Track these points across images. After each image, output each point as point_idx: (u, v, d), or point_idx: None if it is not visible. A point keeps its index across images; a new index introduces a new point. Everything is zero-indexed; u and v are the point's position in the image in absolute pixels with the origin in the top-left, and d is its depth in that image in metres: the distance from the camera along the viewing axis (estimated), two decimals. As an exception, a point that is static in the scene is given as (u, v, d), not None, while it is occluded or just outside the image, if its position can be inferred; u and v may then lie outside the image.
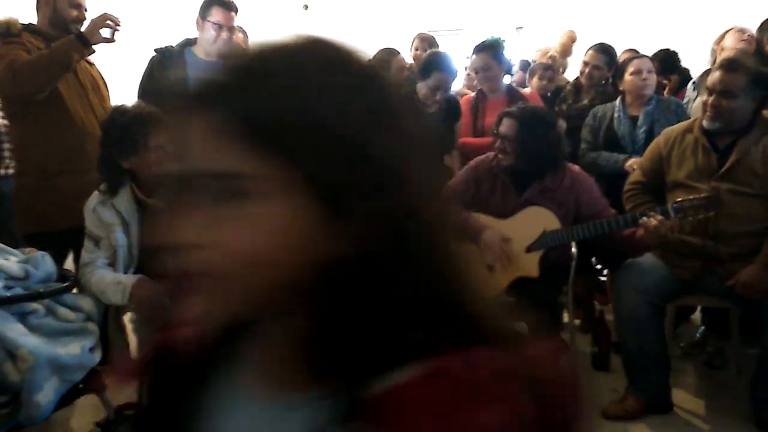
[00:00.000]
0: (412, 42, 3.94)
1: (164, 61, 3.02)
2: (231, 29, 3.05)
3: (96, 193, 2.32)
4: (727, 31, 3.47)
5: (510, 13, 7.02)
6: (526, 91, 3.43)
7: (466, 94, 3.54)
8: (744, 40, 3.36)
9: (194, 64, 3.03)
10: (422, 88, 2.96)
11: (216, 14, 2.99)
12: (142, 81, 3.06)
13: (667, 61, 3.78)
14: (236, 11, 3.06)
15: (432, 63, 2.97)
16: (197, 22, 3.06)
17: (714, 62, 3.04)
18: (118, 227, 2.28)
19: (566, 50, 4.42)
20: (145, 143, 2.24)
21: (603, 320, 2.99)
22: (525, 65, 5.42)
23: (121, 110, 2.31)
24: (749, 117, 2.42)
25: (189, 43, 3.14)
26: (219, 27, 3.00)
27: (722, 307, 2.69)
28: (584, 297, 3.52)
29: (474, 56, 3.27)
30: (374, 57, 3.66)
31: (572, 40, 4.79)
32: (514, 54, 4.85)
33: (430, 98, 2.95)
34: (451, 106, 3.09)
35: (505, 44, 3.35)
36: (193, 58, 3.06)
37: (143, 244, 2.32)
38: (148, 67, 3.07)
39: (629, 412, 2.53)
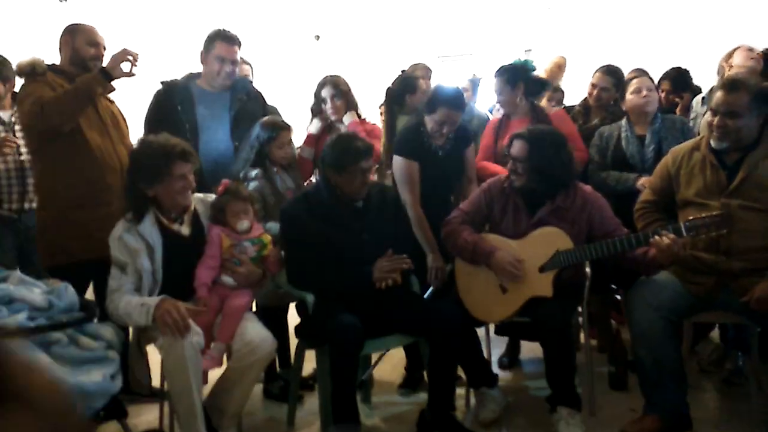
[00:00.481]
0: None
1: (170, 94, 3.12)
2: (234, 62, 3.15)
3: (122, 221, 2.42)
4: (736, 49, 3.48)
5: (518, 36, 7.12)
6: (551, 110, 3.39)
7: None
8: (753, 58, 3.38)
9: (199, 96, 3.14)
10: (429, 122, 2.98)
11: (219, 48, 3.09)
12: (148, 113, 3.15)
13: (679, 80, 3.82)
14: (239, 45, 3.17)
15: (437, 98, 2.96)
16: (201, 56, 3.16)
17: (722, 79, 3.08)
18: (144, 252, 2.36)
19: (553, 77, 4.47)
20: (169, 172, 2.34)
21: (619, 339, 2.98)
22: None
23: (147, 141, 2.44)
24: (756, 133, 2.44)
25: (193, 76, 3.25)
26: (222, 60, 3.10)
27: (738, 323, 2.68)
28: (600, 316, 3.51)
29: (495, 79, 3.28)
30: (408, 71, 3.68)
31: (559, 67, 4.85)
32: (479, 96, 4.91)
33: (437, 132, 2.97)
34: (458, 135, 3.08)
35: (533, 65, 3.32)
36: (198, 90, 3.16)
37: (167, 268, 2.38)
38: (154, 99, 3.17)
39: (647, 431, 2.50)
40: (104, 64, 2.82)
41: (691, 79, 3.87)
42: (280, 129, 2.99)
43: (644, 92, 3.06)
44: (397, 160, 3.00)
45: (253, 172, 2.95)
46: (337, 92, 3.32)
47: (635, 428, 2.52)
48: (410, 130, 3.08)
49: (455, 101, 2.96)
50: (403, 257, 2.54)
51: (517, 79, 3.20)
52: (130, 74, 2.81)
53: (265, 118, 3.09)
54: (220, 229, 2.51)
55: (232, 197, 2.52)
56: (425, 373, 2.99)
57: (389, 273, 2.50)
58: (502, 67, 3.25)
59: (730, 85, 2.41)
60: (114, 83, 2.86)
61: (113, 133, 2.93)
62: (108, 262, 2.38)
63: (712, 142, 2.47)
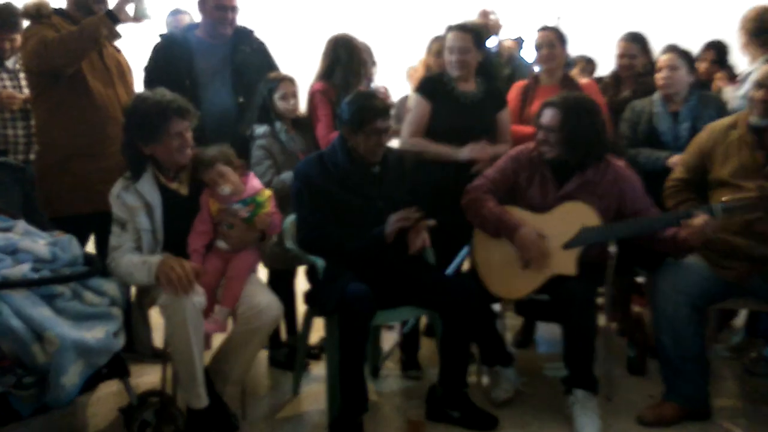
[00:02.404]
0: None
1: (168, 47, 3.00)
2: (233, 9, 3.02)
3: (120, 179, 2.35)
4: None
5: (550, 4, 6.87)
6: (583, 81, 3.27)
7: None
8: None
9: (199, 48, 3.01)
10: (445, 56, 2.91)
11: None
12: (147, 66, 3.04)
13: (723, 52, 3.66)
14: None
15: (447, 29, 2.91)
16: (198, 5, 3.03)
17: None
18: (141, 211, 2.29)
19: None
20: (165, 129, 2.26)
21: (641, 323, 2.88)
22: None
23: (142, 97, 2.34)
24: (800, 113, 2.30)
25: (192, 27, 3.13)
26: (220, 8, 2.96)
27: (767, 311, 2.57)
28: (621, 299, 3.41)
29: (539, 33, 3.16)
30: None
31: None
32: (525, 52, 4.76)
33: (450, 63, 2.87)
34: (490, 91, 2.96)
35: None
36: (198, 41, 3.03)
37: (167, 227, 2.31)
38: (152, 53, 3.05)
39: (666, 418, 2.42)
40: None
41: (728, 54, 3.69)
42: (281, 79, 2.88)
43: (665, 71, 2.91)
44: (412, 98, 2.91)
45: (260, 129, 2.85)
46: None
47: (653, 415, 2.45)
48: (436, 73, 3.03)
49: (462, 24, 2.88)
50: (414, 209, 2.43)
51: (565, 41, 3.13)
52: (138, 19, 2.73)
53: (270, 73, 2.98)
54: (209, 192, 2.40)
55: (200, 165, 2.36)
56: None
57: (402, 220, 2.39)
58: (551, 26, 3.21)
59: None
60: (122, 31, 2.77)
61: (118, 83, 2.86)
62: (110, 216, 2.32)
63: (753, 119, 2.34)
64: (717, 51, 3.66)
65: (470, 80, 2.93)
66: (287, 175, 2.72)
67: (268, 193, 2.45)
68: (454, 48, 2.86)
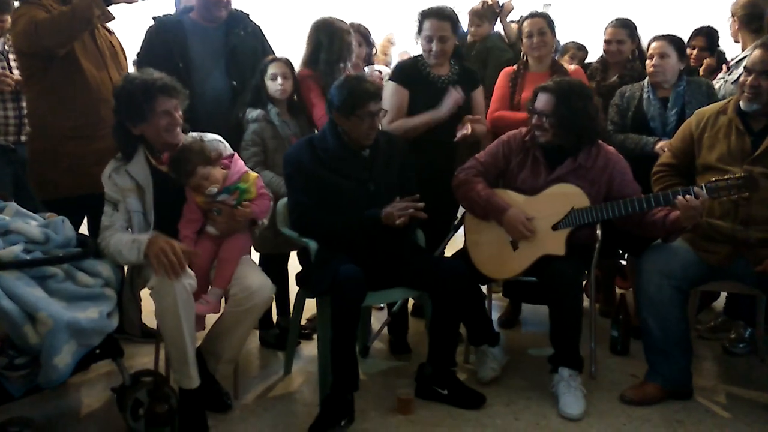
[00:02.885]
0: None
1: (162, 30, 2.97)
2: None
3: (112, 159, 2.35)
4: None
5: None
6: (570, 67, 3.28)
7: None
8: None
9: (193, 31, 2.98)
10: (421, 44, 2.87)
11: None
12: (139, 52, 3.01)
13: (712, 38, 3.68)
14: None
15: (421, 13, 2.85)
16: None
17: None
18: (132, 192, 2.29)
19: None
20: (152, 108, 2.24)
21: (624, 304, 2.94)
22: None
23: (129, 78, 2.32)
24: (789, 99, 2.34)
25: (187, 10, 3.09)
26: None
27: (749, 293, 2.63)
28: (605, 280, 3.47)
29: (528, 21, 3.15)
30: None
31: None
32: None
33: (428, 51, 2.83)
34: (465, 72, 2.96)
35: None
36: (192, 25, 3.00)
37: (158, 209, 2.31)
38: (145, 36, 3.02)
39: (648, 398, 2.49)
40: None
41: (718, 39, 3.72)
42: (272, 60, 2.86)
43: (655, 59, 2.94)
44: (389, 86, 2.90)
45: (253, 114, 2.84)
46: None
47: (636, 394, 2.51)
48: (409, 59, 2.99)
49: (438, 11, 2.83)
50: (416, 196, 2.44)
51: (554, 27, 3.14)
52: (130, 0, 2.69)
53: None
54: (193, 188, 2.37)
55: (178, 174, 2.30)
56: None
57: (403, 210, 2.41)
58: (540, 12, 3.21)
59: None
60: (115, 12, 2.72)
61: (111, 65, 2.81)
62: (103, 198, 2.31)
63: (742, 104, 2.37)
64: (706, 37, 3.68)
65: (445, 64, 2.94)
66: (268, 174, 2.75)
67: (253, 176, 2.43)
68: (433, 37, 2.83)
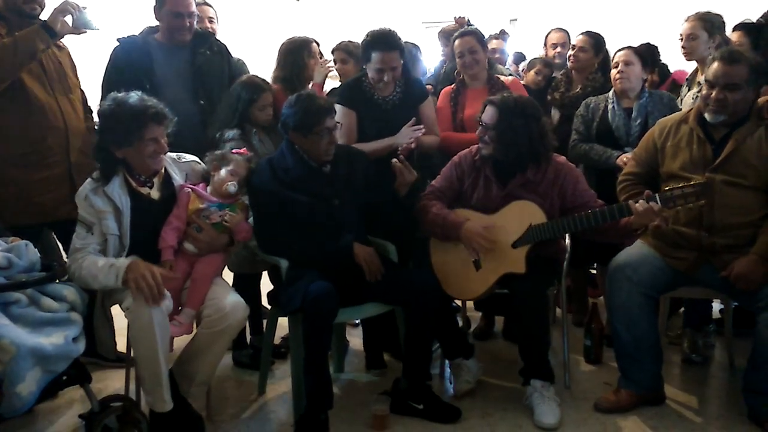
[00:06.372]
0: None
1: (127, 51, 2.95)
2: (191, 15, 2.99)
3: (89, 180, 2.30)
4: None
5: (504, 6, 6.99)
6: (507, 79, 3.31)
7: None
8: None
9: (158, 52, 2.98)
10: (369, 71, 2.84)
11: (171, 2, 2.92)
12: (106, 73, 2.99)
13: (647, 56, 3.73)
14: None
15: (368, 44, 2.80)
16: (155, 11, 2.99)
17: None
18: (110, 215, 2.25)
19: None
20: (140, 135, 2.22)
21: (596, 313, 2.96)
22: (519, 58, 5.39)
23: (119, 100, 2.27)
24: (748, 108, 2.40)
25: (152, 30, 3.08)
26: (176, 15, 2.93)
27: (716, 298, 2.67)
28: (576, 290, 3.50)
29: (458, 40, 3.17)
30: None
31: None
32: (508, 46, 4.80)
33: (378, 80, 2.82)
34: (410, 88, 2.95)
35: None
36: (157, 45, 3.00)
37: (135, 232, 2.28)
38: (111, 58, 3.00)
39: (622, 405, 2.50)
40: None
41: (659, 55, 3.80)
42: (262, 91, 2.87)
43: (620, 66, 3.01)
44: (336, 109, 2.89)
45: (230, 133, 2.83)
46: None
47: (609, 402, 2.52)
48: (352, 80, 2.97)
49: (387, 42, 2.78)
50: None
51: (485, 43, 3.19)
52: (78, 31, 2.61)
53: (245, 77, 2.95)
54: (192, 189, 2.40)
55: (217, 158, 2.46)
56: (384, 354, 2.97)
57: (373, 263, 2.46)
58: (472, 28, 3.28)
59: (729, 57, 2.35)
60: (67, 41, 2.67)
61: (57, 87, 2.70)
62: (49, 226, 2.24)
63: (707, 116, 2.41)
64: (639, 56, 3.73)
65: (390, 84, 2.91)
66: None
67: (244, 203, 2.48)
68: (385, 69, 2.78)
